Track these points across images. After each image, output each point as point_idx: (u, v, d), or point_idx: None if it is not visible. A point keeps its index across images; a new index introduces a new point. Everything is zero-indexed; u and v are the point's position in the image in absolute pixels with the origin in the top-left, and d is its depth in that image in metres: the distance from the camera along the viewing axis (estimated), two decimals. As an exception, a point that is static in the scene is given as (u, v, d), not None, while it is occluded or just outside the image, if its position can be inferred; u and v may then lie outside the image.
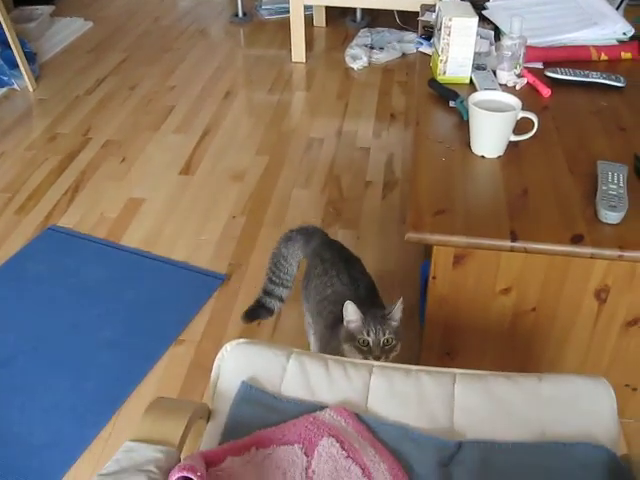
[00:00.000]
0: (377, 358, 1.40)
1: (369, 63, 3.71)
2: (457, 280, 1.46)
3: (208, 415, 1.18)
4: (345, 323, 1.45)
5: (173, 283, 2.22)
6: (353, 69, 3.68)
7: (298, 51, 3.74)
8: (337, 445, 1.08)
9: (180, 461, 1.01)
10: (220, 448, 1.06)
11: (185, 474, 0.92)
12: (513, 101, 1.57)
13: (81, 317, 2.07)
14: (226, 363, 1.24)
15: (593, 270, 1.41)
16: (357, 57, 3.70)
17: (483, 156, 1.58)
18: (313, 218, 2.47)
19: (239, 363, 1.24)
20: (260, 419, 1.14)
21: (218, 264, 2.29)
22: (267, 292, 1.90)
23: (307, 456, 1.07)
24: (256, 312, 1.93)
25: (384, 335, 1.42)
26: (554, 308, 1.49)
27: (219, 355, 1.25)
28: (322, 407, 1.16)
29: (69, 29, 4.12)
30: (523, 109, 1.55)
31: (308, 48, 3.79)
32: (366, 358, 1.40)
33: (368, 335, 1.41)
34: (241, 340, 1.27)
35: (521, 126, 1.58)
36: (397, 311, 1.45)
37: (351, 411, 1.15)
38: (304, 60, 3.76)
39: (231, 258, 2.31)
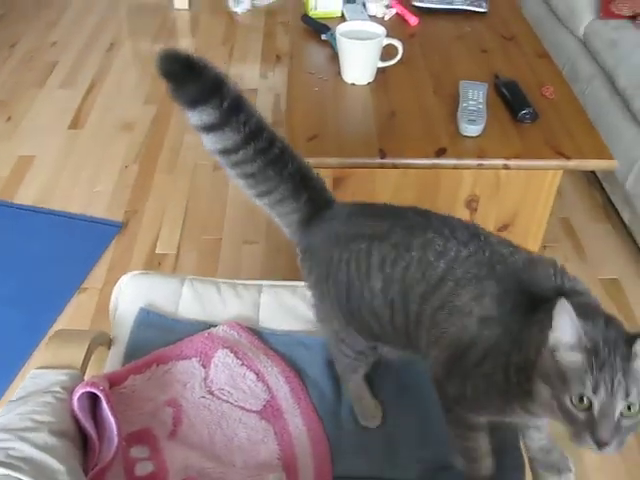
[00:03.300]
0: (602, 444, 0.73)
1: (252, 6, 3.71)
2: (338, 202, 1.55)
3: (109, 343, 1.25)
4: (551, 343, 0.76)
5: (71, 235, 2.24)
6: (237, 13, 3.68)
7: (180, -2, 3.71)
8: (232, 355, 1.17)
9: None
10: (122, 369, 1.14)
11: (88, 389, 0.99)
12: (378, 29, 1.65)
13: (-22, 277, 2.08)
14: (123, 293, 1.31)
15: (462, 181, 1.53)
16: (240, 1, 3.69)
17: (353, 84, 1.66)
18: (205, 161, 2.51)
19: (136, 292, 1.30)
20: (159, 341, 1.21)
21: (114, 213, 2.32)
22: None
23: (204, 368, 1.15)
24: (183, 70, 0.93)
25: (627, 395, 0.72)
26: (429, 220, 1.60)
27: (116, 286, 1.32)
28: (217, 325, 1.25)
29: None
30: (388, 37, 1.64)
31: (190, -6, 3.76)
32: (578, 434, 0.74)
33: (596, 392, 0.72)
34: (136, 272, 1.34)
35: (389, 53, 1.67)
36: None
37: (244, 325, 1.24)
38: (187, 7, 3.73)
39: (127, 206, 2.34)
